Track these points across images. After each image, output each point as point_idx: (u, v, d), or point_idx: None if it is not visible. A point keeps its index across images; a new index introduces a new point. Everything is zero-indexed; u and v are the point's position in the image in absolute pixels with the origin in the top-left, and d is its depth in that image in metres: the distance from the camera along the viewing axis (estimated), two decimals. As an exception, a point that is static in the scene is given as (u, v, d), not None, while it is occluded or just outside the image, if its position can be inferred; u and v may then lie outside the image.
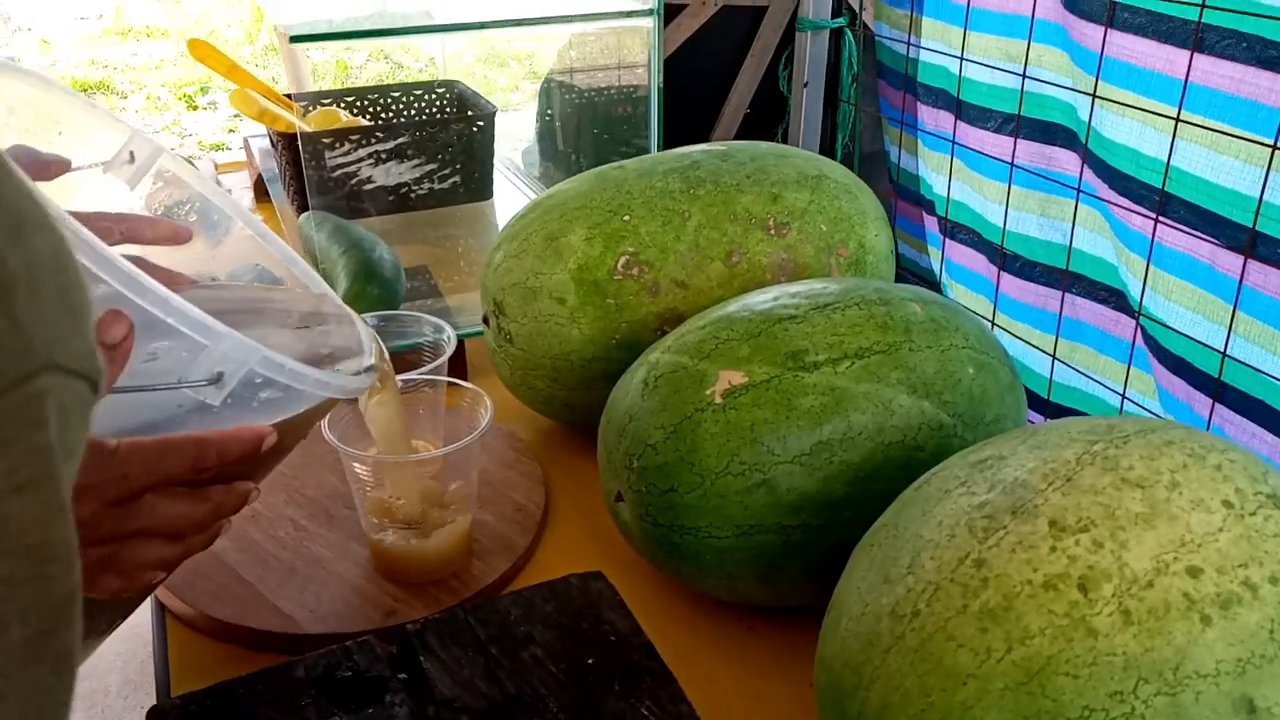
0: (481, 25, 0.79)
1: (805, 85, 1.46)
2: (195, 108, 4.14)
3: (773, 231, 0.75)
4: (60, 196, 0.47)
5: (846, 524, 0.59)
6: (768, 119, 1.51)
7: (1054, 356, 1.08)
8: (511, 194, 1.28)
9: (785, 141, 1.51)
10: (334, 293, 0.59)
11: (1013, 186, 1.12)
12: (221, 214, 0.56)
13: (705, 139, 1.51)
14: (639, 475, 0.60)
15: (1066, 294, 1.07)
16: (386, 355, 0.57)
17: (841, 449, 0.58)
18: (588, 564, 0.68)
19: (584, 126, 1.26)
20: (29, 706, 0.27)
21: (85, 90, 4.14)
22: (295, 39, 0.71)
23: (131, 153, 0.51)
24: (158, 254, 0.50)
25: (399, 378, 0.69)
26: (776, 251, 0.75)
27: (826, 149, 1.48)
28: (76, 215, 0.43)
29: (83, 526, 0.38)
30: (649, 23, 0.85)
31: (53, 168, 0.46)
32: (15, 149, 0.44)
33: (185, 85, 4.22)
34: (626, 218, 0.73)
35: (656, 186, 0.75)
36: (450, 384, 0.71)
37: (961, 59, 1.15)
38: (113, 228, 0.48)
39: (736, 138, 1.51)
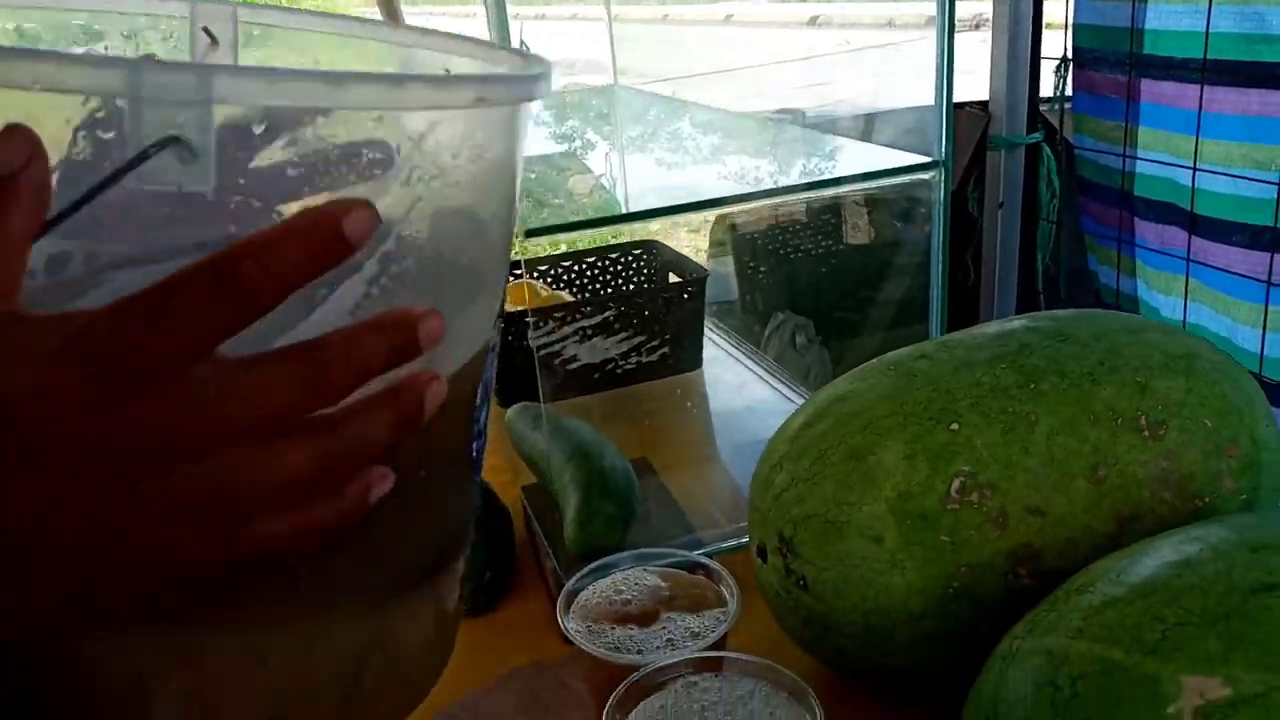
0: (748, 196, 0.66)
1: (1001, 206, 1.33)
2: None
3: (1147, 433, 0.57)
4: None
5: None
6: (954, 242, 1.38)
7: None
8: (721, 360, 1.15)
9: (979, 262, 1.37)
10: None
11: (1271, 307, 0.97)
12: None
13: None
14: (1066, 830, 0.41)
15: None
16: None
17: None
18: None
19: (805, 287, 1.12)
20: None
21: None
22: (531, 233, 0.59)
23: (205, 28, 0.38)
24: None
25: (651, 663, 0.54)
26: (1154, 459, 0.57)
27: (1025, 270, 1.35)
28: None
29: None
30: (931, 175, 0.70)
31: None
32: None
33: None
34: (954, 426, 0.57)
35: (983, 382, 0.59)
36: (729, 659, 0.55)
37: (1195, 169, 1.02)
38: None
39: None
